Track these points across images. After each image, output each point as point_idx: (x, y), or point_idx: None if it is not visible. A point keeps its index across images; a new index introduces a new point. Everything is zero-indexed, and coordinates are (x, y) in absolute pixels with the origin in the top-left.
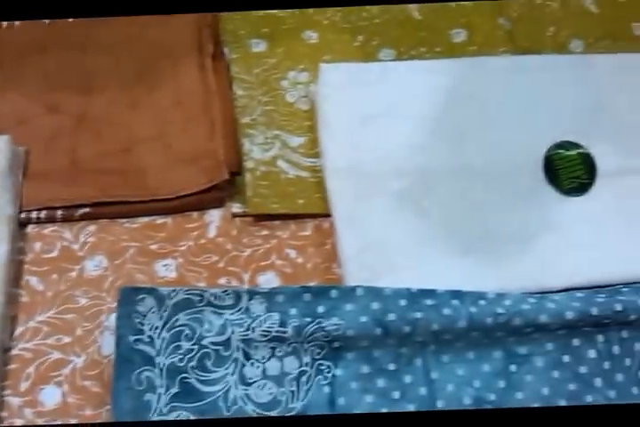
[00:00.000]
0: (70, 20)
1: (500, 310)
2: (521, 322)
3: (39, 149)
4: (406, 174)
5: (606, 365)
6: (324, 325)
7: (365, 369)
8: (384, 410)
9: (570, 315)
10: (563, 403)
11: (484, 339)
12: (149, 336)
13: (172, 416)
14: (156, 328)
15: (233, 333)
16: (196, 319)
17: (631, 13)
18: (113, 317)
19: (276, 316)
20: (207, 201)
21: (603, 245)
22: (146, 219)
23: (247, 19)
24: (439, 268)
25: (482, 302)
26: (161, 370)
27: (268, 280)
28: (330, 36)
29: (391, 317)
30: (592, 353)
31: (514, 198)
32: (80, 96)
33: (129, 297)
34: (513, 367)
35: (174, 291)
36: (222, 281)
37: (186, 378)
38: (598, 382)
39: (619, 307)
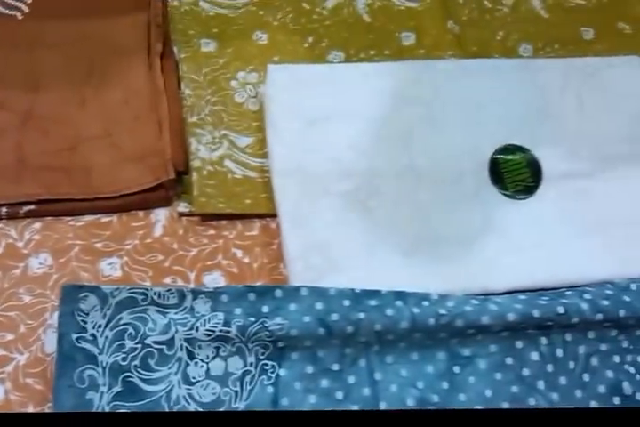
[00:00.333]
0: (20, 17)
1: (442, 311)
2: (463, 323)
3: None
4: (352, 175)
5: (549, 367)
6: (267, 324)
7: (310, 369)
8: None
9: (511, 317)
10: (505, 405)
11: (428, 340)
12: (92, 335)
13: None
14: (100, 327)
15: (177, 332)
16: (140, 318)
17: (581, 18)
18: (56, 314)
19: (220, 315)
20: (153, 200)
21: (547, 248)
22: (91, 217)
23: (197, 18)
24: (384, 268)
25: (425, 304)
26: (104, 369)
27: (214, 280)
28: (280, 38)
29: (334, 317)
30: (535, 356)
31: (459, 200)
32: (27, 94)
33: (71, 295)
34: (456, 369)
35: (117, 289)
36: (168, 280)
37: (129, 377)
38: (541, 384)
39: (561, 310)
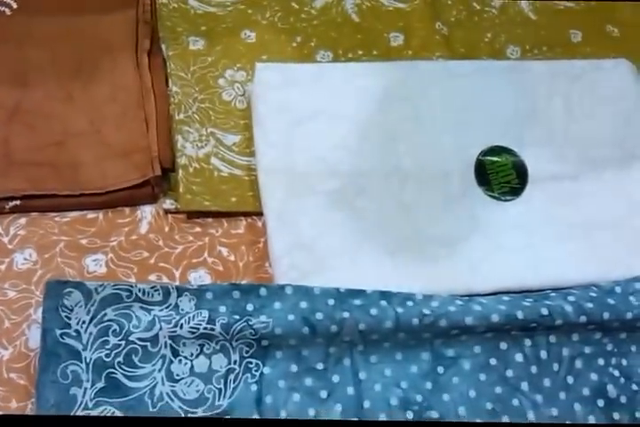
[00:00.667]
0: (8, 13)
1: (426, 312)
2: (447, 324)
3: None
4: (339, 175)
5: (533, 369)
6: (252, 322)
7: (294, 368)
8: (311, 409)
9: (495, 318)
10: (489, 406)
11: (412, 340)
12: (76, 330)
13: (97, 411)
14: (84, 322)
15: (161, 329)
16: (124, 315)
17: (569, 21)
18: (41, 310)
19: (204, 313)
20: (139, 197)
21: (532, 250)
22: (76, 213)
23: (186, 16)
24: (369, 268)
25: (409, 303)
26: (87, 364)
27: (200, 277)
28: (268, 36)
29: (319, 316)
30: (519, 357)
31: (445, 201)
32: (14, 89)
33: (55, 290)
34: (440, 369)
35: (102, 285)
36: (153, 277)
37: (112, 373)
38: (525, 385)
39: (545, 311)
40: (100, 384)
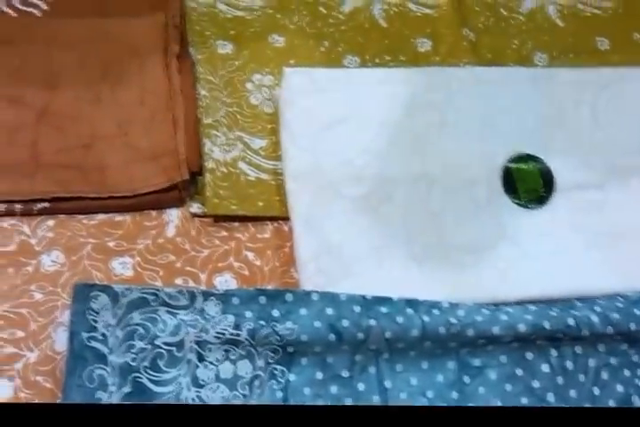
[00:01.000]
0: (38, 14)
1: (452, 320)
2: (474, 333)
3: (0, 142)
4: (365, 180)
5: (559, 380)
6: (278, 329)
7: (319, 375)
8: None
9: (522, 328)
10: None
11: (438, 349)
12: (103, 334)
13: None
14: (110, 326)
15: (187, 334)
16: (151, 319)
17: (596, 28)
18: (67, 313)
19: (230, 318)
20: (166, 200)
21: (559, 259)
22: (104, 216)
23: (214, 20)
24: (395, 274)
25: (435, 312)
26: (113, 368)
27: (225, 282)
28: (296, 41)
29: (345, 323)
30: (545, 367)
31: (471, 208)
32: (43, 90)
33: (83, 293)
34: (466, 379)
35: (129, 289)
36: (179, 281)
37: (138, 378)
38: (551, 396)
39: (571, 322)
40: (126, 389)
